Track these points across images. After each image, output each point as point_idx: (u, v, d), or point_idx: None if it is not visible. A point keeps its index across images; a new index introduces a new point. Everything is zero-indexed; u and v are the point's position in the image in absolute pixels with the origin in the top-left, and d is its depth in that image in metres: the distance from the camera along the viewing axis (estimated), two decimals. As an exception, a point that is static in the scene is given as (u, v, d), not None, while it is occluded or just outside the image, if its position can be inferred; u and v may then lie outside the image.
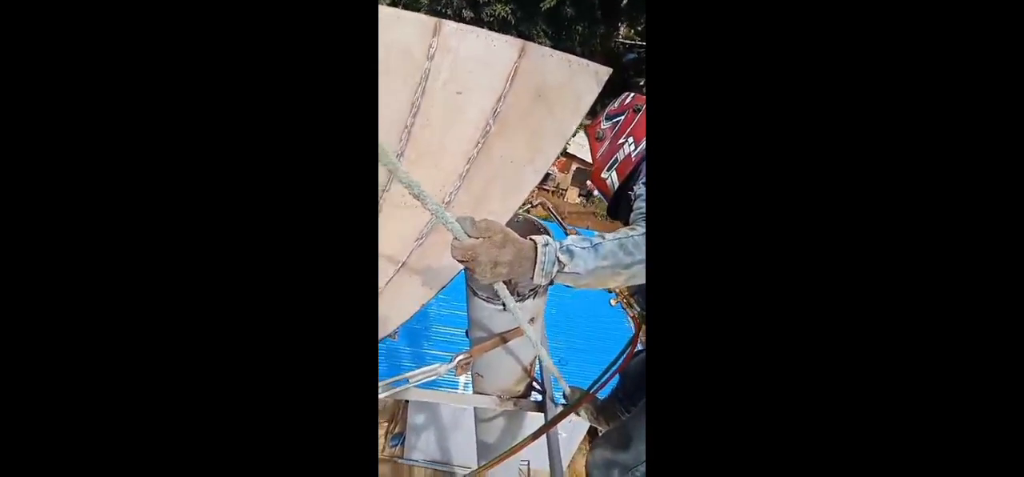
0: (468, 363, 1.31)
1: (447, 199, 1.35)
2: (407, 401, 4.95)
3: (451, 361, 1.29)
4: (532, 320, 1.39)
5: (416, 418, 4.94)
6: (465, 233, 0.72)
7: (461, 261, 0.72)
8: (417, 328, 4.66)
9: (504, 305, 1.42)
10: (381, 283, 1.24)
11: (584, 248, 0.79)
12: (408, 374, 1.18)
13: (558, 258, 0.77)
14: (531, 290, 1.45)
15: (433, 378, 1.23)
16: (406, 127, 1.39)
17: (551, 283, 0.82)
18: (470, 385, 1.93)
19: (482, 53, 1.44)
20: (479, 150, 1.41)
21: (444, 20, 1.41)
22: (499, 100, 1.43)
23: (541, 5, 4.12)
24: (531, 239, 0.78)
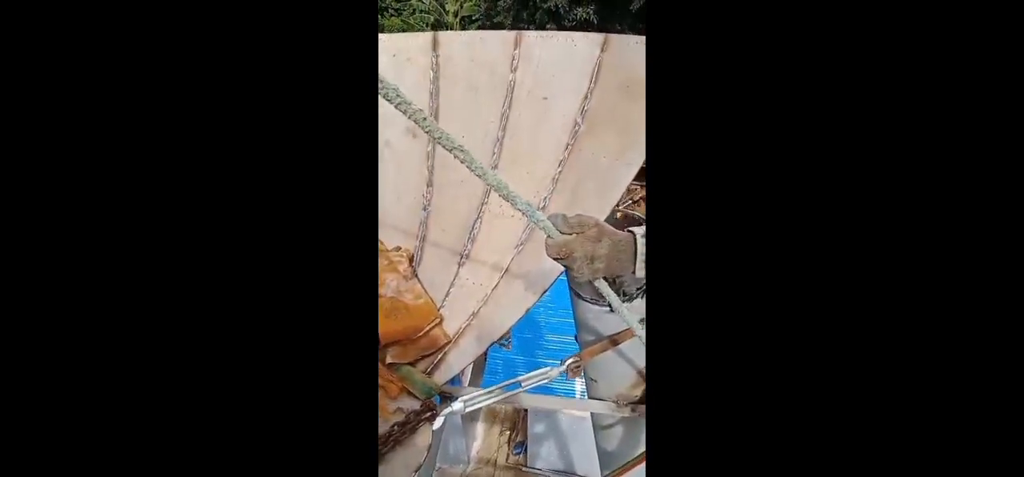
0: (579, 366, 1.29)
1: (541, 204, 1.36)
2: (526, 410, 5.05)
3: (561, 364, 1.28)
4: (642, 320, 1.32)
5: (536, 427, 5.00)
6: (557, 230, 0.72)
7: (556, 259, 0.72)
8: (529, 338, 4.75)
9: (610, 306, 1.37)
10: (487, 290, 1.30)
11: None
12: (520, 378, 1.20)
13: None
14: (639, 289, 1.38)
15: (545, 381, 1.24)
16: (497, 139, 1.44)
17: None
18: (586, 393, 1.90)
19: (563, 55, 1.44)
20: (569, 152, 1.40)
21: (525, 31, 1.45)
22: (585, 98, 1.41)
23: (631, 6, 3.98)
24: (629, 230, 0.75)
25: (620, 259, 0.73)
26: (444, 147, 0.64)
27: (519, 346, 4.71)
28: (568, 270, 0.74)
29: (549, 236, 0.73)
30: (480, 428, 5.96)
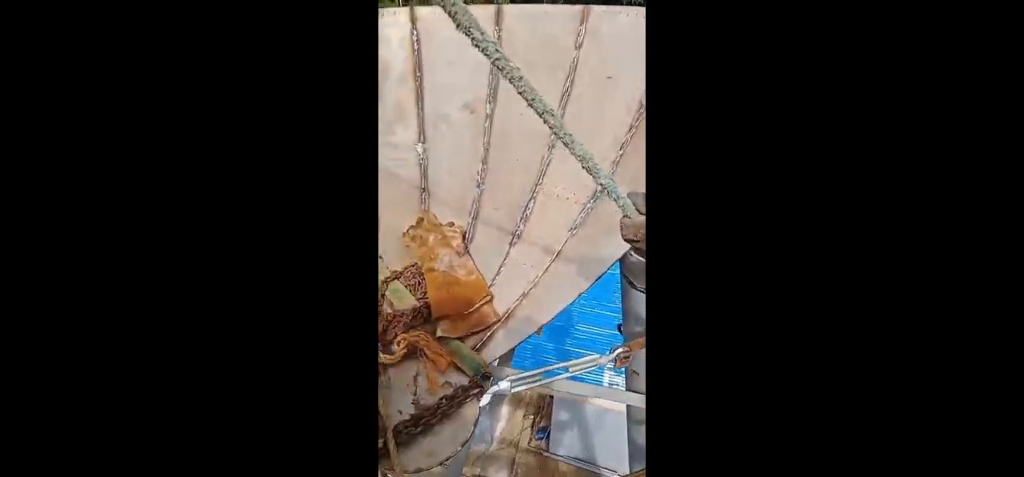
0: (628, 356, 1.25)
1: (598, 188, 1.32)
2: (552, 396, 5.05)
3: (611, 352, 1.24)
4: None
5: (561, 415, 5.00)
6: (636, 210, 0.68)
7: (631, 240, 0.68)
8: (559, 325, 4.72)
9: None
10: (537, 272, 1.27)
11: None
12: (568, 363, 1.18)
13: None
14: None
15: (593, 368, 1.20)
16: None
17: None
18: (621, 384, 1.85)
19: (631, 31, 1.37)
20: (632, 134, 1.34)
21: (593, 5, 1.38)
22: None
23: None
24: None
25: None
26: (534, 109, 0.61)
27: (549, 333, 4.69)
28: (641, 253, 0.70)
29: (626, 215, 0.68)
30: (505, 410, 6.02)
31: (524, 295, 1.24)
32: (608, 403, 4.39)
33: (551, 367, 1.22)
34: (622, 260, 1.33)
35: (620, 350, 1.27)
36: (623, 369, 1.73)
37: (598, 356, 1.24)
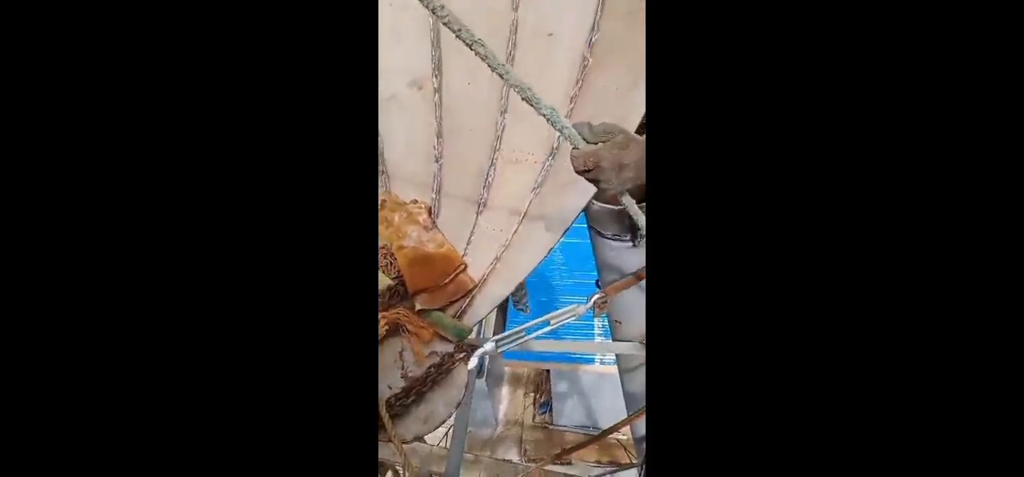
0: (605, 302, 1.29)
1: (555, 145, 1.34)
2: (548, 371, 5.13)
3: (588, 301, 1.28)
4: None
5: (559, 386, 5.09)
6: (583, 139, 0.70)
7: (582, 170, 0.71)
8: (544, 301, 4.78)
9: (632, 238, 1.36)
10: (508, 236, 1.29)
11: None
12: (549, 315, 1.21)
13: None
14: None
15: (572, 319, 1.24)
16: (503, 82, 1.41)
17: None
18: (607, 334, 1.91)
19: (566, -14, 1.39)
20: (579, 88, 1.37)
21: (523, -35, 1.39)
22: (592, 31, 1.36)
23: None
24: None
25: None
26: (464, 42, 0.62)
27: (536, 310, 4.76)
28: (596, 183, 0.73)
29: (574, 146, 0.71)
30: (505, 391, 6.09)
31: (497, 259, 1.26)
32: (603, 368, 4.51)
33: (533, 323, 1.25)
34: (586, 210, 1.37)
35: (597, 297, 1.31)
36: (606, 317, 1.77)
37: (577, 306, 1.28)
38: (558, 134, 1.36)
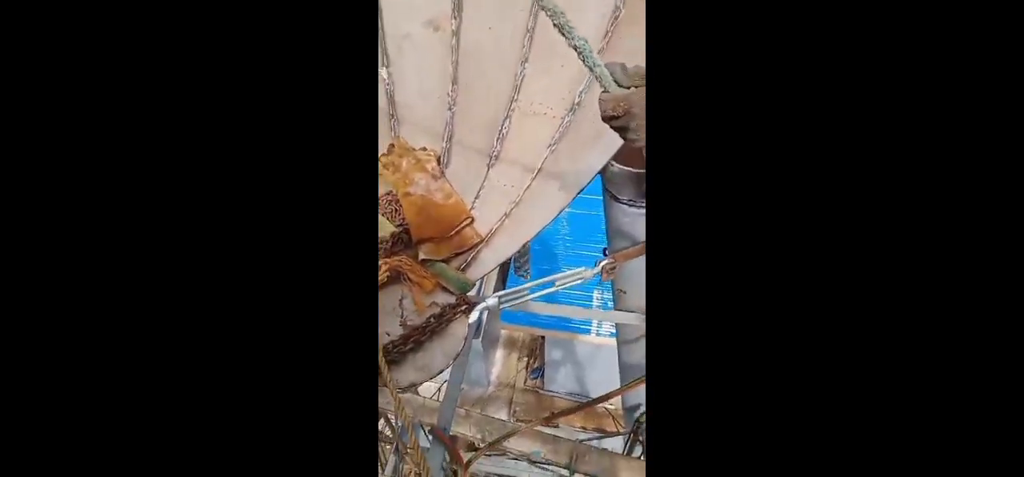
0: (614, 268, 1.25)
1: (577, 99, 1.27)
2: (544, 337, 5.18)
3: (597, 266, 1.24)
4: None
5: (553, 353, 5.15)
6: (615, 82, 0.64)
7: (611, 116, 0.65)
8: (547, 269, 4.78)
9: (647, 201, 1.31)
10: (519, 192, 1.24)
11: None
12: (555, 277, 1.18)
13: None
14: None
15: (579, 282, 1.21)
16: (528, 31, 1.32)
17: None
18: (609, 303, 1.89)
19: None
20: (608, 40, 1.28)
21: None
22: (625, -21, 1.26)
23: None
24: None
25: None
26: None
27: (537, 278, 4.76)
28: (623, 133, 0.67)
29: (605, 89, 0.65)
30: (500, 354, 6.19)
31: (506, 215, 1.21)
32: (598, 339, 4.54)
33: (537, 282, 1.22)
34: (603, 172, 1.31)
35: (606, 262, 1.27)
36: (610, 284, 1.75)
37: (584, 269, 1.24)
38: (580, 90, 1.29)
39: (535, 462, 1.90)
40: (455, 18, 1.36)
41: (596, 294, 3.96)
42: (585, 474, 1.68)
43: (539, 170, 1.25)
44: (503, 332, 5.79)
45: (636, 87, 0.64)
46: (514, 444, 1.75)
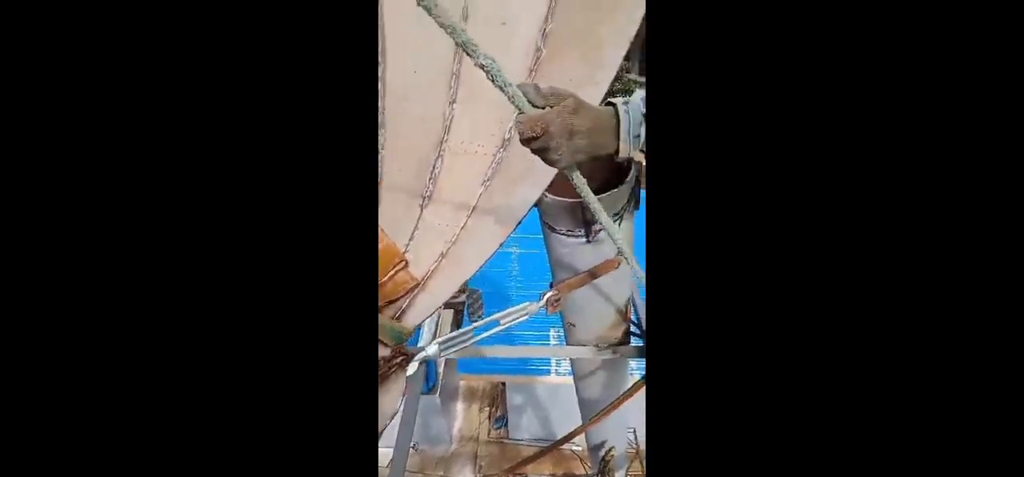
0: (558, 300, 1.23)
1: (506, 135, 1.28)
2: (504, 384, 5.03)
3: (540, 299, 1.21)
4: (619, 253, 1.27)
5: (515, 399, 4.99)
6: (529, 102, 0.63)
7: (529, 137, 0.63)
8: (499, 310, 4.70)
9: (587, 231, 1.31)
10: (455, 230, 1.20)
11: None
12: (498, 315, 1.13)
13: (645, 114, 0.65)
14: (616, 214, 1.33)
15: (524, 318, 1.17)
16: (454, 73, 1.33)
17: (643, 152, 0.70)
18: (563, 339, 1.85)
19: (518, -25, 1.34)
20: (533, 78, 1.31)
21: (474, -52, 1.33)
22: (546, 20, 1.32)
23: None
24: (608, 102, 0.67)
25: (604, 135, 0.66)
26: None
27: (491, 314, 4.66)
28: (543, 155, 0.65)
29: (520, 110, 0.64)
30: (460, 407, 5.91)
31: (442, 255, 1.16)
32: (558, 379, 4.46)
33: (480, 323, 1.16)
34: (539, 205, 1.31)
35: (550, 294, 1.24)
36: (561, 318, 1.71)
37: (528, 304, 1.21)
38: (510, 125, 1.30)
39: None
40: (380, 63, 1.34)
41: (553, 332, 3.92)
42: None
43: (474, 208, 1.23)
44: (461, 383, 5.55)
45: (551, 106, 0.64)
46: None
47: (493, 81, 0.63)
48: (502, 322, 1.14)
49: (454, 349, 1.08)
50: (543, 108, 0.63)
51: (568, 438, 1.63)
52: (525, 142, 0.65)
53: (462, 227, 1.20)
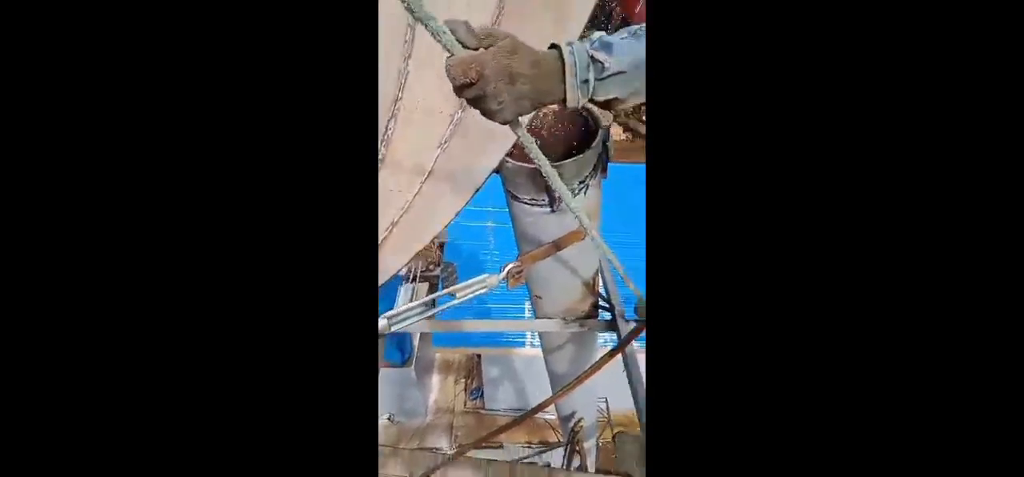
0: (520, 273, 1.16)
1: (454, 112, 1.18)
2: (479, 356, 5.04)
3: (502, 272, 1.15)
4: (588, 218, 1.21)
5: (491, 371, 5.02)
6: (460, 43, 0.54)
7: (463, 84, 0.54)
8: (483, 294, 4.66)
9: (550, 202, 1.25)
10: (409, 196, 1.12)
11: (624, 38, 0.59)
12: (454, 288, 1.06)
13: (593, 58, 0.57)
14: (581, 183, 1.26)
15: (483, 291, 1.10)
16: (409, 26, 1.22)
17: (592, 101, 0.62)
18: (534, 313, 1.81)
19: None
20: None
21: None
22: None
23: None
24: (552, 46, 0.59)
25: (548, 81, 0.58)
26: None
27: (476, 302, 4.63)
28: (481, 105, 0.57)
29: (450, 53, 0.55)
30: (436, 380, 5.93)
31: (393, 224, 1.08)
32: (533, 351, 4.48)
33: (436, 295, 1.09)
34: (500, 171, 1.23)
35: (511, 267, 1.18)
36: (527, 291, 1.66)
37: (487, 276, 1.14)
38: (459, 103, 1.20)
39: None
40: (326, 11, 1.22)
41: (527, 305, 3.91)
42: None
43: (430, 172, 1.14)
44: (437, 356, 5.54)
45: (486, 47, 0.55)
46: (453, 474, 1.60)
47: (413, 15, 0.54)
48: (458, 296, 1.08)
49: (400, 322, 1.01)
50: (476, 49, 0.55)
51: (537, 409, 1.60)
52: (459, 90, 0.56)
53: (416, 193, 1.12)
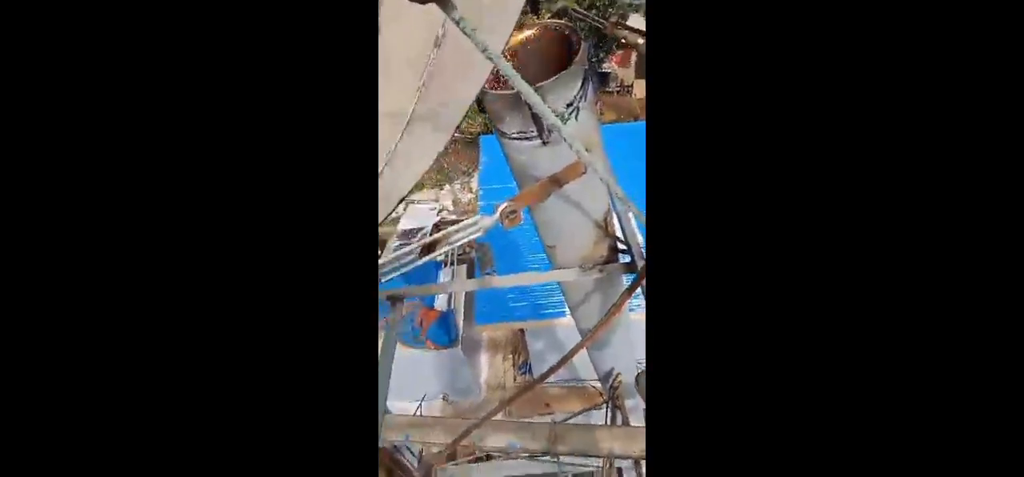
0: (513, 212, 1.11)
1: (439, 32, 1.13)
2: (523, 330, 5.04)
3: (495, 211, 1.10)
4: (587, 150, 1.12)
5: (536, 344, 5.01)
6: None
7: None
8: (510, 263, 4.64)
9: (540, 135, 1.17)
10: (390, 144, 1.09)
11: None
12: (447, 230, 1.03)
13: None
14: (569, 107, 1.18)
15: (478, 233, 1.06)
16: None
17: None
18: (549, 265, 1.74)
19: None
20: None
21: None
22: None
23: None
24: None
25: None
26: None
27: (503, 271, 4.62)
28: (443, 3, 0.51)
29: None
30: (484, 358, 6.02)
31: (379, 173, 1.06)
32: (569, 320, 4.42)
33: (426, 241, 1.07)
34: (481, 103, 1.17)
35: (504, 206, 1.13)
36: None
37: (482, 217, 1.10)
38: (442, 21, 1.15)
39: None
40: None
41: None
42: (572, 453, 1.54)
43: (411, 116, 1.11)
44: (484, 335, 5.61)
45: None
46: (491, 440, 1.60)
47: None
48: (452, 238, 1.04)
49: (389, 276, 1.00)
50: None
51: (561, 364, 1.55)
52: None
53: (399, 138, 1.09)
